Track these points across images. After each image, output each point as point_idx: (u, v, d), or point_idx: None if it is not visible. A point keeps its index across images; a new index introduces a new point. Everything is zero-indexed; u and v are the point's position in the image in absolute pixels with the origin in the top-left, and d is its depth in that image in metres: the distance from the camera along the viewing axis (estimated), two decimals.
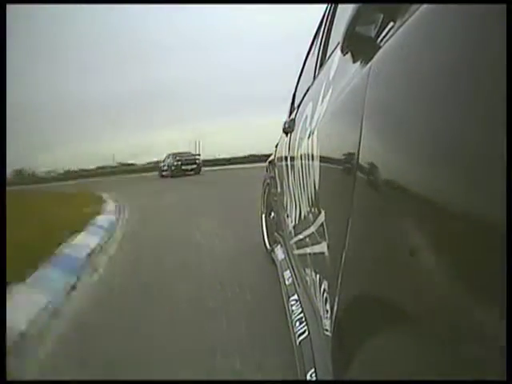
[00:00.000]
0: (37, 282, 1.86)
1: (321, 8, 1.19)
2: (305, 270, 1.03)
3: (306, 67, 1.54)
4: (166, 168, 14.56)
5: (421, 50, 0.30)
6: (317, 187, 0.69)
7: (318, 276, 0.76)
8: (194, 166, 13.88)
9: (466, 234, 0.22)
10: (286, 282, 1.49)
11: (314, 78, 1.07)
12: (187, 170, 13.54)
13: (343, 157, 0.48)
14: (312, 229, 0.79)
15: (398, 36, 0.35)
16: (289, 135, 1.34)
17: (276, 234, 2.29)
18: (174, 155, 14.42)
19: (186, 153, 15.27)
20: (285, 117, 1.64)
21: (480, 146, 0.21)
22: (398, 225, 0.31)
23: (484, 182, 0.20)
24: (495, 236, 0.19)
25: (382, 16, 0.43)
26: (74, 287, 1.93)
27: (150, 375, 1.12)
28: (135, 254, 2.67)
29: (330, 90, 0.67)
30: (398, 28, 0.36)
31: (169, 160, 14.49)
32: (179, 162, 13.74)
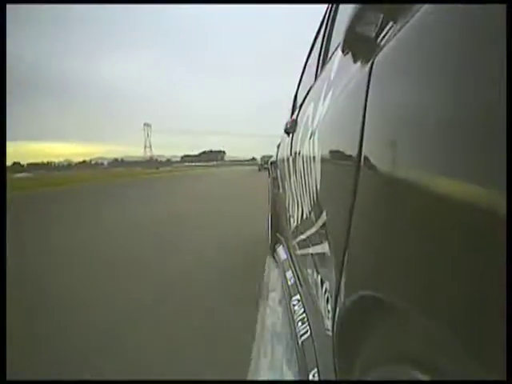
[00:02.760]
0: None
1: (321, 8, 1.19)
2: (307, 270, 1.03)
3: (307, 67, 1.54)
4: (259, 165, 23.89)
5: (421, 50, 0.30)
6: (319, 187, 0.69)
7: (319, 276, 0.76)
8: None
9: (471, 235, 0.22)
10: (289, 283, 1.50)
11: (316, 78, 1.07)
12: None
13: (345, 157, 0.48)
14: (314, 229, 0.79)
15: (398, 36, 0.35)
16: (290, 135, 1.34)
17: (278, 234, 2.30)
18: (263, 157, 23.56)
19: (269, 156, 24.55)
20: (287, 117, 1.64)
21: (482, 145, 0.21)
22: (400, 225, 0.31)
23: (487, 180, 0.20)
24: (500, 235, 0.19)
25: (382, 16, 0.43)
26: None
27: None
28: None
29: (332, 90, 0.67)
30: (399, 28, 0.36)
31: (260, 161, 24.51)
32: (263, 162, 21.55)
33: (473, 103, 0.22)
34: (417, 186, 0.28)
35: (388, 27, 0.41)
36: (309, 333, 0.99)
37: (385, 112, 0.36)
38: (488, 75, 0.21)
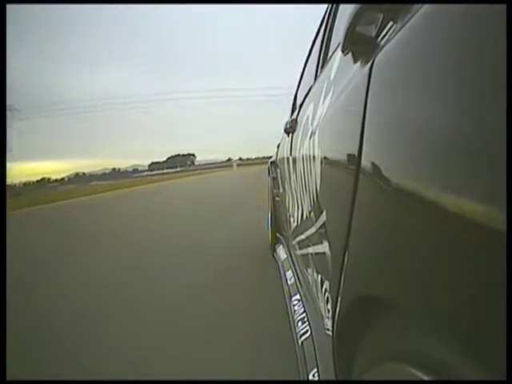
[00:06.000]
0: None
1: (321, 8, 1.19)
2: (307, 270, 1.03)
3: (307, 67, 1.54)
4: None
5: (421, 50, 0.30)
6: (318, 187, 0.69)
7: (319, 276, 0.76)
8: None
9: (471, 235, 0.22)
10: (289, 282, 1.50)
11: (316, 77, 1.07)
12: None
13: (345, 157, 0.48)
14: (314, 229, 0.79)
15: (398, 36, 0.35)
16: (290, 135, 1.34)
17: (278, 234, 2.30)
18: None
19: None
20: (286, 117, 1.64)
21: (482, 146, 0.21)
22: (399, 225, 0.31)
23: (487, 181, 0.20)
24: (499, 236, 0.19)
25: (382, 16, 0.43)
26: None
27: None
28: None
29: (332, 90, 0.67)
30: (399, 28, 0.36)
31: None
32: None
33: (473, 104, 0.22)
34: (417, 186, 0.28)
35: (388, 27, 0.41)
36: (309, 333, 0.99)
37: (385, 112, 0.36)
38: (488, 75, 0.21)
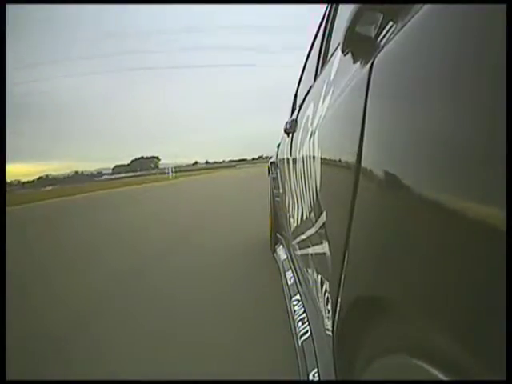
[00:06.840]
0: None
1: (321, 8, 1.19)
2: (307, 271, 1.03)
3: (307, 67, 1.54)
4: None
5: (421, 50, 0.30)
6: (318, 187, 0.69)
7: (319, 276, 0.76)
8: None
9: (471, 235, 0.22)
10: (289, 282, 1.50)
11: (315, 78, 1.07)
12: None
13: (345, 157, 0.48)
14: (314, 229, 0.79)
15: (398, 36, 0.35)
16: (290, 135, 1.33)
17: (278, 234, 2.30)
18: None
19: None
20: (287, 117, 1.64)
21: (482, 146, 0.21)
22: (399, 225, 0.31)
23: (487, 182, 0.20)
24: (499, 236, 0.19)
25: (382, 16, 0.43)
26: None
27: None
28: None
29: (331, 90, 0.67)
30: (399, 28, 0.36)
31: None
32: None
33: (473, 104, 0.22)
34: (416, 186, 0.28)
35: (388, 27, 0.41)
36: (309, 333, 0.99)
37: (385, 112, 0.36)
38: (488, 75, 0.21)
